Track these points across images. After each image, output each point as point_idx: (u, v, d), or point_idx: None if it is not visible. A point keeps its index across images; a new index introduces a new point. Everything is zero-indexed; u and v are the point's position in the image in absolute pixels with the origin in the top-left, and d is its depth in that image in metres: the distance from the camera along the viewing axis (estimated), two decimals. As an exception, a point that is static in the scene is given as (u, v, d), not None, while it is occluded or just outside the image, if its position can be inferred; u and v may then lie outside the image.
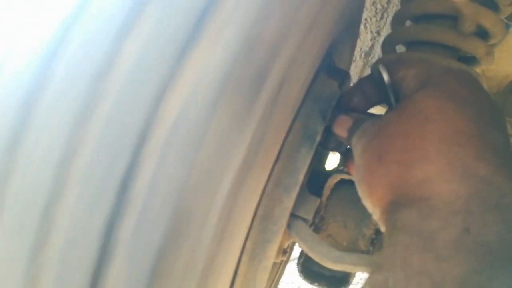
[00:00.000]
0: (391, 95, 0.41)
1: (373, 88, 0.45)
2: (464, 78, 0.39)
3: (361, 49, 0.87)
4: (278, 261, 0.50)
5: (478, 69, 0.75)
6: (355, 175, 0.36)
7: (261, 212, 0.36)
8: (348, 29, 0.54)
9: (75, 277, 0.23)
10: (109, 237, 0.22)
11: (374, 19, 0.88)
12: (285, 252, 0.49)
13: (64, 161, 0.22)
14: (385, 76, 0.40)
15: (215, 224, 0.26)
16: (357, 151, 0.37)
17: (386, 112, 0.41)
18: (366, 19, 0.88)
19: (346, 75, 0.47)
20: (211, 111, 0.23)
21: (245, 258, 0.38)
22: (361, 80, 0.46)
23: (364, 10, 0.86)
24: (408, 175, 0.31)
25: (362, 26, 0.87)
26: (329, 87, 0.41)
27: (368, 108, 0.47)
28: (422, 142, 0.32)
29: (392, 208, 0.31)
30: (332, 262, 0.42)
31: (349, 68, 0.65)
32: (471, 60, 0.51)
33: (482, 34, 0.50)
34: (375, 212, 0.34)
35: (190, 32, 0.22)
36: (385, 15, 0.87)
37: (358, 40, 0.89)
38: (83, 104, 0.22)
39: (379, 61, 0.44)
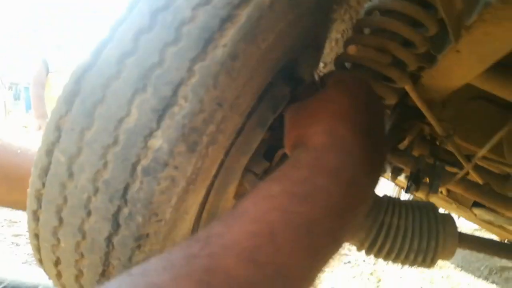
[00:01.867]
0: None
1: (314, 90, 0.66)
2: (361, 85, 0.55)
3: (331, 59, 1.08)
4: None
5: (425, 83, 0.96)
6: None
7: (226, 165, 0.59)
8: (311, 46, 0.75)
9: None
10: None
11: (350, 31, 1.08)
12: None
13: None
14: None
15: (191, 172, 0.48)
16: (285, 122, 0.57)
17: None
18: (343, 30, 1.08)
19: (300, 81, 0.69)
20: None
21: (213, 193, 0.60)
22: (307, 85, 0.68)
23: (343, 22, 1.06)
24: (302, 133, 0.49)
25: (339, 35, 1.08)
26: (282, 91, 0.63)
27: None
28: (316, 116, 0.50)
29: (292, 149, 0.52)
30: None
31: (312, 74, 0.86)
32: (391, 80, 0.72)
33: (400, 63, 0.71)
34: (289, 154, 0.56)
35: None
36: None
37: (336, 47, 1.09)
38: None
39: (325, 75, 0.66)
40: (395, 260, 0.72)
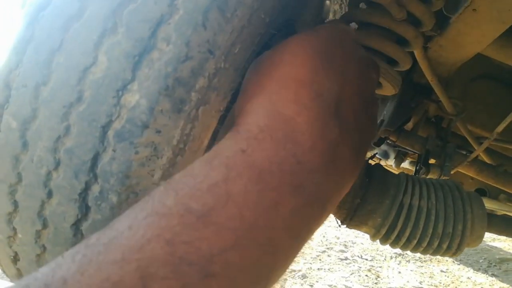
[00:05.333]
0: None
1: None
2: (339, 37, 0.40)
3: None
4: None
5: (432, 55, 0.88)
6: None
7: (222, 135, 0.50)
8: (309, 6, 0.66)
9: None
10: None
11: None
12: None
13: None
14: None
15: (178, 138, 0.38)
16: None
17: None
18: (335, 10, 1.00)
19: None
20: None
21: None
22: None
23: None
24: (241, 105, 0.36)
25: (337, 7, 0.99)
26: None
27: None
28: (262, 81, 0.36)
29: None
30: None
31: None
32: (404, 42, 0.64)
33: (415, 22, 0.62)
34: None
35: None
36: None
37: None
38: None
39: None
40: (416, 248, 0.63)
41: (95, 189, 0.36)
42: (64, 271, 0.25)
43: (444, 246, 0.61)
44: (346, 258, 2.93)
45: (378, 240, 0.66)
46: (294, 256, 0.33)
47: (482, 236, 0.62)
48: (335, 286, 2.52)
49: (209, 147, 0.49)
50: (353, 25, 0.63)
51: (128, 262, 0.24)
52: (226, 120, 0.49)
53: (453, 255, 0.63)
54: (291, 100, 0.34)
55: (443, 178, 0.95)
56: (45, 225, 0.38)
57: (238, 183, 0.29)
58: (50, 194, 0.37)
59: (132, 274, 0.24)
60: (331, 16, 0.97)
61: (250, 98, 0.36)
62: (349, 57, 0.39)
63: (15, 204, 0.38)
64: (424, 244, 0.62)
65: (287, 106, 0.33)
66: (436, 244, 0.61)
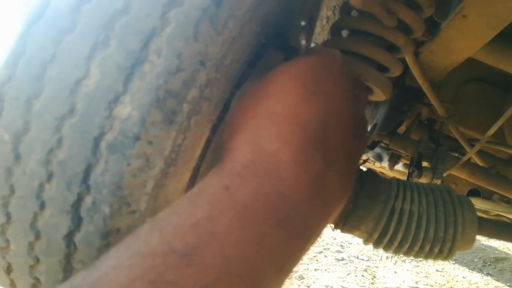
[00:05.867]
0: None
1: None
2: (325, 64, 0.40)
3: (323, 38, 1.00)
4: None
5: (424, 60, 0.89)
6: None
7: (214, 144, 0.50)
8: (303, 15, 0.66)
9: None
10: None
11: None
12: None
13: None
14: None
15: (170, 149, 0.38)
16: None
17: None
18: (335, 6, 1.00)
19: (294, 51, 0.60)
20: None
21: (199, 179, 0.51)
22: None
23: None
24: (228, 136, 0.37)
25: (330, 13, 1.00)
26: (276, 58, 0.54)
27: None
28: (248, 113, 0.37)
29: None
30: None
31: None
32: (395, 48, 0.64)
33: (406, 28, 0.63)
34: None
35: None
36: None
37: (327, 26, 1.02)
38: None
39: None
40: (408, 252, 0.63)
41: (88, 200, 0.36)
42: None
43: (436, 250, 0.62)
44: (343, 259, 2.93)
45: (371, 244, 0.66)
46: (280, 286, 0.33)
47: (473, 240, 0.63)
48: (331, 286, 2.53)
49: (202, 157, 0.49)
50: (344, 33, 0.63)
51: None
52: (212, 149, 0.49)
53: (445, 259, 0.63)
54: (273, 135, 0.34)
55: (436, 180, 0.96)
56: (37, 237, 0.38)
57: (222, 221, 0.29)
58: (42, 206, 0.37)
59: None
60: (324, 23, 0.98)
61: (234, 133, 0.36)
62: (334, 84, 0.39)
63: (8, 215, 0.38)
64: (416, 248, 0.62)
65: (270, 142, 0.34)
66: (427, 248, 0.62)
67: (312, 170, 0.34)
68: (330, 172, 0.35)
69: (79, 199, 0.36)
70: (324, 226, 0.37)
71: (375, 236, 0.63)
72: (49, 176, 0.36)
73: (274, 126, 0.34)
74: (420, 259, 2.57)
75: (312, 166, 0.34)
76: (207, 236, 0.28)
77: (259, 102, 0.37)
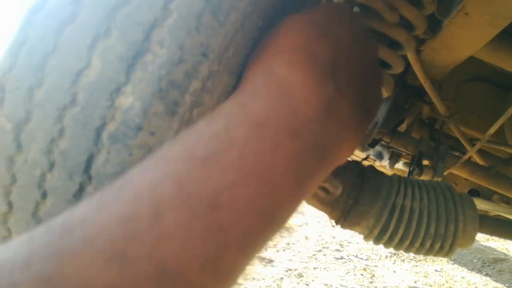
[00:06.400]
0: None
1: None
2: (335, 11, 0.43)
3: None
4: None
5: (425, 58, 0.89)
6: None
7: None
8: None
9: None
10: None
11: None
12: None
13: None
14: None
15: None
16: None
17: None
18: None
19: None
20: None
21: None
22: None
23: None
24: (246, 69, 0.39)
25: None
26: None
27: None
28: (265, 48, 0.39)
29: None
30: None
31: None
32: (397, 45, 0.64)
33: (408, 25, 0.63)
34: None
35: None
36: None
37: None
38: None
39: None
40: (408, 248, 0.63)
41: (90, 190, 0.36)
42: (82, 212, 0.27)
43: (437, 246, 0.62)
44: (342, 257, 2.93)
45: (371, 240, 0.66)
46: (298, 203, 0.34)
47: (474, 237, 0.63)
48: (330, 285, 2.53)
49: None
50: (356, 8, 0.63)
51: (141, 199, 0.27)
52: None
53: (445, 255, 0.63)
54: (286, 61, 0.36)
55: (436, 179, 0.96)
56: (39, 227, 0.38)
57: (238, 132, 0.31)
58: (44, 195, 0.37)
59: (145, 208, 0.26)
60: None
61: (249, 67, 0.39)
62: (344, 28, 0.41)
63: (10, 205, 0.38)
64: (417, 245, 0.62)
65: (282, 67, 0.36)
66: (428, 244, 0.62)
67: (322, 92, 0.36)
68: (341, 100, 0.37)
69: (81, 189, 0.36)
70: (338, 151, 0.38)
71: (376, 232, 0.63)
72: (51, 166, 0.36)
73: (285, 55, 0.37)
74: (420, 258, 2.56)
75: (323, 89, 0.36)
76: (225, 143, 0.30)
77: (272, 40, 0.39)
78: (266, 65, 0.37)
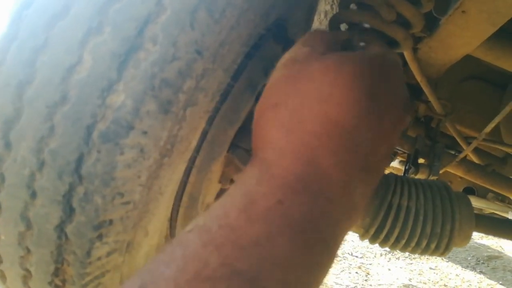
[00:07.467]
0: None
1: None
2: (387, 67, 0.35)
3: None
4: (226, 188, 0.63)
5: (422, 56, 0.88)
6: None
7: (210, 136, 0.49)
8: (301, 8, 0.65)
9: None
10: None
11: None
12: (232, 181, 0.62)
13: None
14: None
15: (165, 140, 0.37)
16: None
17: None
18: (333, 1, 0.99)
19: (292, 43, 0.59)
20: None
21: (194, 171, 0.50)
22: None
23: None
24: (259, 132, 0.33)
25: (328, 7, 0.99)
26: (274, 49, 0.53)
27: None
28: (281, 101, 0.32)
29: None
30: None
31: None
32: (394, 43, 0.64)
33: (405, 23, 0.62)
34: None
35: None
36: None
37: (325, 20, 1.01)
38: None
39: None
40: (404, 247, 0.63)
41: (80, 190, 0.35)
42: None
43: (433, 246, 0.61)
44: (337, 255, 2.93)
45: (367, 240, 0.66)
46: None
47: (470, 236, 0.63)
48: (325, 283, 2.53)
49: (197, 148, 0.48)
50: (353, 6, 0.62)
51: None
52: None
53: (441, 254, 0.63)
54: (329, 149, 0.31)
55: (432, 177, 0.96)
56: (28, 227, 0.37)
57: (280, 242, 0.28)
58: (33, 195, 0.36)
59: None
60: (322, 17, 0.97)
61: (273, 123, 0.32)
62: (392, 99, 0.34)
63: (-2, 205, 0.38)
64: (413, 244, 0.62)
65: (324, 156, 0.31)
66: (424, 244, 0.62)
67: (352, 194, 0.32)
68: (363, 193, 0.34)
69: (71, 189, 0.35)
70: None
71: (372, 231, 0.62)
72: (40, 165, 0.35)
73: (328, 137, 0.31)
74: (414, 256, 2.57)
75: (353, 189, 0.32)
76: (268, 258, 0.27)
77: (307, 97, 0.32)
78: (302, 142, 0.31)
